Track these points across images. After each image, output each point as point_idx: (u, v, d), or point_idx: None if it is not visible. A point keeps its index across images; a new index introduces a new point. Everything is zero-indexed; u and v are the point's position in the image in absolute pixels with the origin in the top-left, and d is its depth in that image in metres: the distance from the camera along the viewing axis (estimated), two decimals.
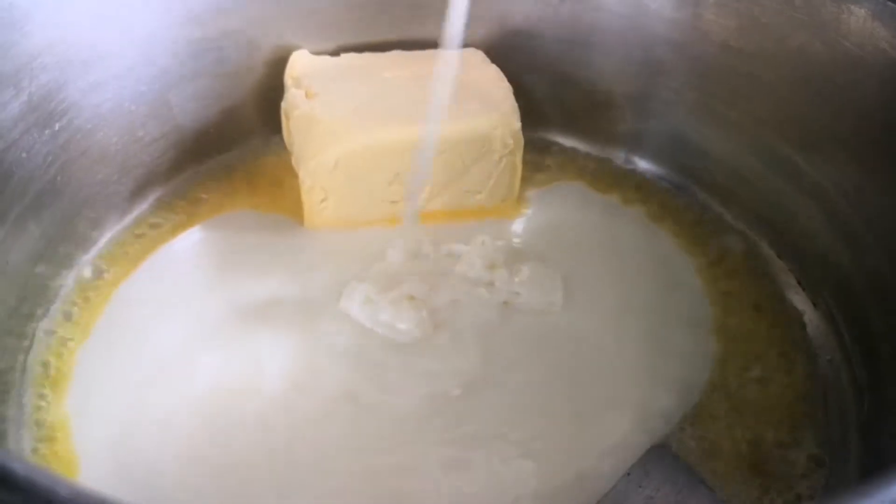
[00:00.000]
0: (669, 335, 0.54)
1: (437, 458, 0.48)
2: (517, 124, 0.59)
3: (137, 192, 0.61)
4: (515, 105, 0.59)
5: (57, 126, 0.54)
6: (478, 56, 0.64)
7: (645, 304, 0.56)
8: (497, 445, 0.48)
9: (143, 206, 0.61)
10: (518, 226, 0.62)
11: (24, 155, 0.51)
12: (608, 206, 0.64)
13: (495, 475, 0.47)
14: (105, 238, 0.59)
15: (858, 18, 0.49)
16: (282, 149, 0.65)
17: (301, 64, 0.62)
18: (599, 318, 0.55)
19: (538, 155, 0.67)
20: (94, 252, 0.58)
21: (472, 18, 0.66)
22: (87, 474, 0.46)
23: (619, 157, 0.67)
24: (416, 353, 0.53)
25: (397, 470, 0.47)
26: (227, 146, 0.66)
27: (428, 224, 0.60)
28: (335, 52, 0.64)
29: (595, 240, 0.61)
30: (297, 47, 0.64)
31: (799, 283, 0.57)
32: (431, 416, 0.50)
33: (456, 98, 0.59)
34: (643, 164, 0.67)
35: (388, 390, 0.51)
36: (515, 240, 0.61)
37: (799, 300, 0.57)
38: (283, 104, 0.62)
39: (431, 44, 0.65)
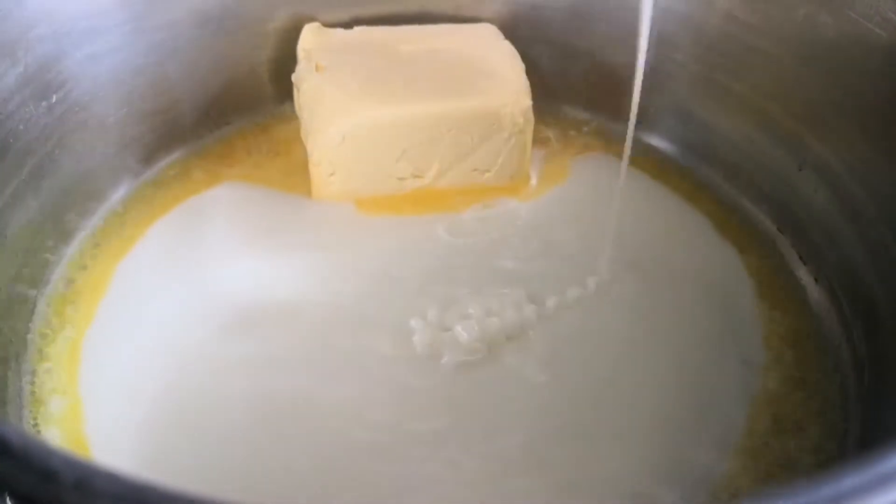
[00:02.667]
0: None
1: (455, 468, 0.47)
2: (528, 102, 0.58)
3: (136, 165, 0.61)
4: (527, 83, 0.59)
5: (54, 98, 0.53)
6: (491, 31, 0.64)
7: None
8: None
9: (142, 179, 0.61)
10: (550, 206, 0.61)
11: (21, 127, 0.51)
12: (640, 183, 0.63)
13: None
14: (104, 211, 0.58)
15: None
16: (289, 120, 0.65)
17: (312, 37, 0.62)
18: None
19: (544, 127, 0.66)
20: (93, 225, 0.58)
21: None
22: (93, 439, 0.47)
23: (624, 129, 0.67)
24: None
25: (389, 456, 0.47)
26: (230, 118, 0.65)
27: (453, 211, 0.60)
28: (348, 24, 0.63)
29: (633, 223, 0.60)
30: (308, 17, 0.64)
31: (801, 257, 0.57)
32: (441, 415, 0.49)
33: (466, 74, 0.58)
34: (647, 137, 0.66)
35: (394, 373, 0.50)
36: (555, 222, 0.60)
37: (801, 274, 0.56)
38: (294, 76, 0.61)
39: (444, 17, 0.65)
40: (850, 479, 0.22)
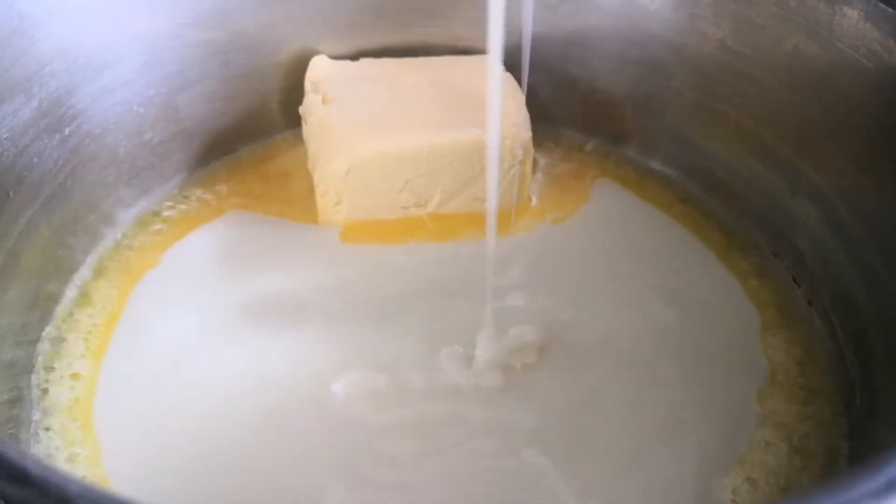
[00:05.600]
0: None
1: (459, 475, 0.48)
2: (527, 135, 0.60)
3: (147, 195, 0.62)
4: (527, 115, 0.60)
5: (67, 131, 0.55)
6: None
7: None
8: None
9: (152, 208, 0.62)
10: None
11: (35, 159, 0.52)
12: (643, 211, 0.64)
13: None
14: (115, 239, 0.60)
15: (851, 20, 0.50)
16: (293, 149, 0.67)
17: (319, 69, 0.64)
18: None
19: (545, 153, 0.68)
20: (105, 253, 0.59)
21: (473, 20, 0.67)
22: (111, 469, 0.47)
23: (622, 156, 0.68)
24: None
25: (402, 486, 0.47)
26: (236, 148, 0.67)
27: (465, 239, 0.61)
28: (354, 56, 0.65)
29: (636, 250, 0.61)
30: (311, 50, 0.65)
31: (795, 280, 0.58)
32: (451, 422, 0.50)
33: (468, 106, 0.60)
34: (647, 162, 0.67)
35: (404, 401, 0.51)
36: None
37: (796, 298, 0.57)
38: (302, 108, 0.63)
39: (445, 48, 0.67)
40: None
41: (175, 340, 0.54)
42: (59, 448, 0.48)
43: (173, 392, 0.51)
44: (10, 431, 0.47)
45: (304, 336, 0.54)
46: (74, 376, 0.52)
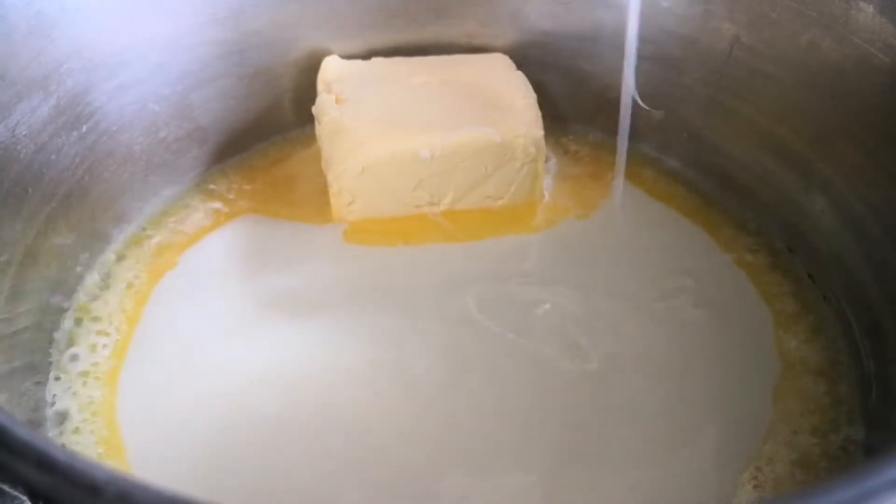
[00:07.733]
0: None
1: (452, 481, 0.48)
2: (539, 133, 0.60)
3: (162, 193, 0.63)
4: (539, 114, 0.61)
5: (84, 128, 0.55)
6: (504, 62, 0.65)
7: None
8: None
9: (169, 205, 0.63)
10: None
11: (53, 157, 0.53)
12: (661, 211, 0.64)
13: None
14: (133, 236, 0.60)
15: (867, 14, 0.50)
16: (306, 148, 0.67)
17: (332, 69, 0.64)
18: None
19: (557, 152, 0.68)
20: (122, 249, 0.59)
21: (485, 18, 0.68)
22: (133, 463, 0.48)
23: (635, 153, 0.68)
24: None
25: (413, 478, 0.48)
26: (250, 146, 0.67)
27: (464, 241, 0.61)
28: (366, 55, 0.65)
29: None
30: (324, 48, 0.66)
31: (810, 276, 0.58)
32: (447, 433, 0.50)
33: (479, 105, 0.60)
34: (661, 159, 0.67)
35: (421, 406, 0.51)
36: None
37: (810, 292, 0.57)
38: (315, 108, 0.63)
39: (457, 46, 0.67)
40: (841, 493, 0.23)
41: (195, 340, 0.54)
42: (84, 446, 0.48)
43: (194, 390, 0.51)
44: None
45: (320, 336, 0.54)
46: (96, 377, 0.52)
